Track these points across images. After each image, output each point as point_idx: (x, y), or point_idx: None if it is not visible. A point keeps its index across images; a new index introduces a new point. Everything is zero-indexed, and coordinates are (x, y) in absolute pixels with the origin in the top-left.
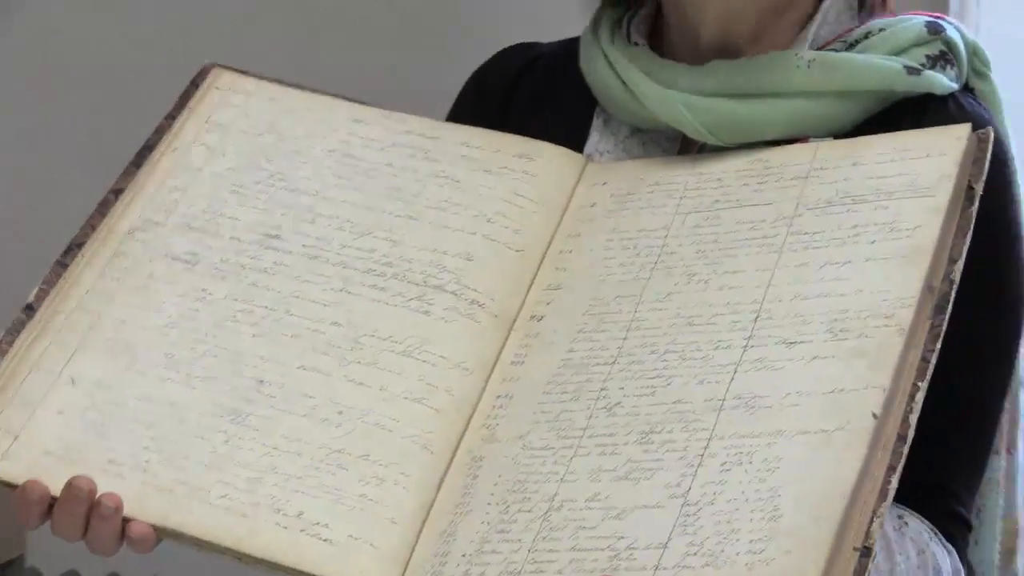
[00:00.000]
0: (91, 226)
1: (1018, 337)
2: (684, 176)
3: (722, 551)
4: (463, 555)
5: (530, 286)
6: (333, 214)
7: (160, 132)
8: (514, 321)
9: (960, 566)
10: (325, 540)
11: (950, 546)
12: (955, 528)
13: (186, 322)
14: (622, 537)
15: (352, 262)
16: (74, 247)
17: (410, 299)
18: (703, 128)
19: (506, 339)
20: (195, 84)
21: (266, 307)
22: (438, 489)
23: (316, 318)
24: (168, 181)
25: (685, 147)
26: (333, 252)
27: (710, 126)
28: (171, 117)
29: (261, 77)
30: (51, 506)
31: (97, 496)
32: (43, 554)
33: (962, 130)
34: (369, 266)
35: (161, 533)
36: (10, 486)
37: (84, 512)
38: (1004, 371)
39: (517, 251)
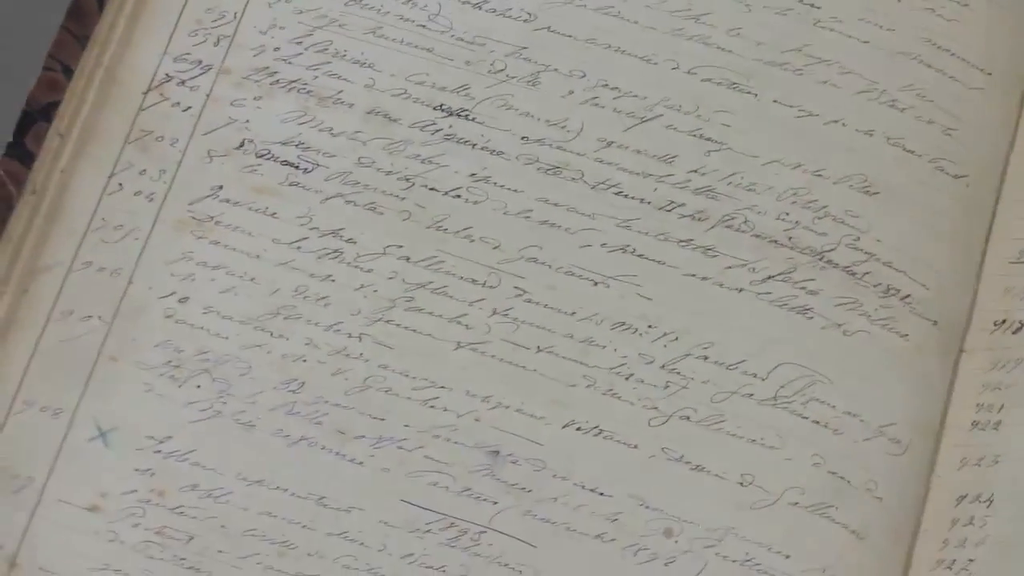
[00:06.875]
0: None
1: None
2: None
3: None
4: None
5: (982, 264)
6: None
7: None
8: (960, 350)
9: None
10: None
11: None
12: None
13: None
14: None
15: (653, 193)
16: None
17: (783, 276)
18: None
19: (954, 371)
20: None
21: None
22: None
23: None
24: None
25: None
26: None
27: None
28: None
29: None
30: None
31: None
32: None
33: None
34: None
35: None
36: None
37: None
38: None
39: (956, 178)
